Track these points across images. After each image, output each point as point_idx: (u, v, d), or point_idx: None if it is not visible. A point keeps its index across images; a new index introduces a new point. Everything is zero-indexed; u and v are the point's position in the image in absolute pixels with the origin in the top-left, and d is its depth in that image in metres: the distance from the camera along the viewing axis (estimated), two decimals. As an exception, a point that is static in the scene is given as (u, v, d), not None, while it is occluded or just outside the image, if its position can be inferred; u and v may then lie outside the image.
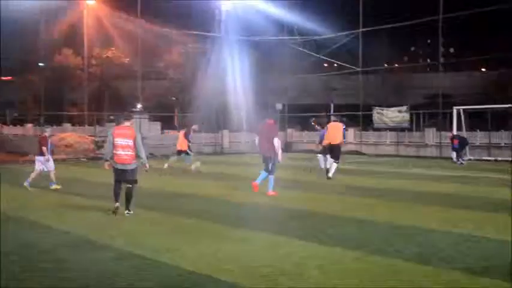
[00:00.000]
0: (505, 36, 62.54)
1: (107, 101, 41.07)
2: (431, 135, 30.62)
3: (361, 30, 33.14)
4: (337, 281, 5.68)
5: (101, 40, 38.53)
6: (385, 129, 32.38)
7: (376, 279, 5.70)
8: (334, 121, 17.23)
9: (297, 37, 36.98)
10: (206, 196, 12.61)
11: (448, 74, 44.92)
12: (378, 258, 6.58)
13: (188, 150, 19.01)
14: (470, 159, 25.08)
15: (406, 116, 30.97)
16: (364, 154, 31.18)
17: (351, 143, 33.20)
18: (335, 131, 16.36)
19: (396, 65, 52.74)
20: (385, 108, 32.34)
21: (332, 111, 43.73)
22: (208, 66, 37.88)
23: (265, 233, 8.19)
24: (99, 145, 26.40)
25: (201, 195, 12.72)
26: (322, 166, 17.27)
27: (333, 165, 16.11)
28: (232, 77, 37.25)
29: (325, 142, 16.59)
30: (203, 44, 38.18)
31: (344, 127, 16.79)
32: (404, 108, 31.42)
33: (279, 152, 12.39)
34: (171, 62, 40.21)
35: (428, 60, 78.65)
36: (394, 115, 31.22)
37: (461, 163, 23.24)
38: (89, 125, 33.73)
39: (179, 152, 19.24)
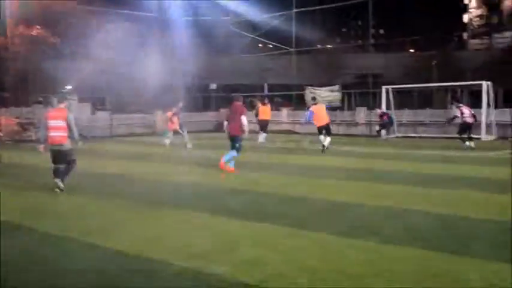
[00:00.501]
0: (432, 18, 64.90)
1: (33, 82, 39.25)
2: (361, 114, 31.46)
3: (294, 11, 33.36)
4: (269, 255, 5.75)
5: (25, 18, 36.63)
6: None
7: (304, 253, 5.81)
8: (264, 102, 18.60)
9: (230, 17, 36.74)
10: (141, 177, 12.40)
11: (378, 54, 46.20)
12: (309, 233, 6.72)
13: (179, 129, 20.61)
14: (397, 136, 26.01)
15: (338, 95, 31.61)
16: (297, 133, 31.61)
17: (284, 122, 33.61)
18: (323, 112, 18.78)
19: (328, 46, 53.52)
20: (317, 88, 32.83)
21: (266, 91, 43.98)
22: (142, 47, 37.07)
23: (200, 212, 8.16)
24: (25, 127, 25.33)
25: (133, 176, 12.49)
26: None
27: (327, 140, 18.20)
28: (167, 57, 36.59)
29: (322, 123, 18.51)
30: (137, 24, 37.18)
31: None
32: (336, 87, 32.02)
33: (246, 129, 13.00)
34: (103, 42, 38.88)
35: (360, 41, 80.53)
36: (326, 94, 31.77)
37: (386, 139, 24.19)
38: (15, 107, 32.20)
39: (175, 131, 20.75)
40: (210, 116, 37.42)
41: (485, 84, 23.24)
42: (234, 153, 13.19)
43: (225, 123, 13.49)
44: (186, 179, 12.03)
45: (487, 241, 6.25)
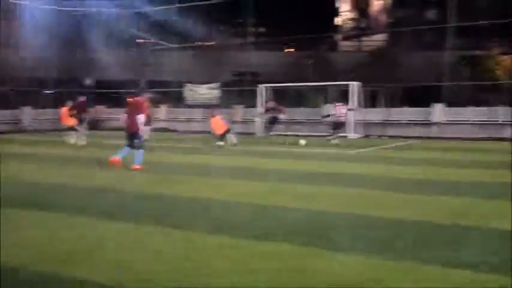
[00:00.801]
0: (308, 19, 67.53)
1: None
2: (239, 112, 32.01)
3: (176, 6, 33.02)
4: (132, 255, 5.65)
5: None
6: (197, 106, 32.95)
7: (171, 252, 5.80)
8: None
9: (106, 10, 35.48)
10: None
11: (257, 52, 47.21)
12: (175, 232, 6.71)
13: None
14: (273, 134, 26.79)
15: (217, 93, 31.86)
16: (174, 131, 31.36)
17: (162, 120, 33.22)
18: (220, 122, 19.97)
19: (209, 43, 53.75)
20: (196, 85, 32.86)
21: (145, 87, 43.15)
22: (4, 36, 34.57)
23: (61, 213, 7.81)
24: None
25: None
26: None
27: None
28: (34, 49, 34.49)
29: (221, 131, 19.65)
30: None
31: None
32: (215, 85, 32.26)
33: (142, 127, 12.78)
34: None
35: (240, 39, 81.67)
36: (205, 92, 31.90)
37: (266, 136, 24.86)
38: None
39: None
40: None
41: (351, 85, 24.68)
42: (127, 150, 12.87)
43: (123, 117, 13.13)
44: (51, 179, 11.45)
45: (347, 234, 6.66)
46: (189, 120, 32.86)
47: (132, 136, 12.78)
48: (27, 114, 32.33)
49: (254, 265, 5.32)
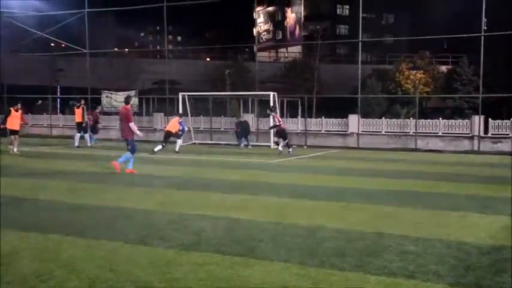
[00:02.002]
0: (224, 29, 68.06)
1: None
2: (159, 119, 31.65)
3: (86, 10, 32.08)
4: (51, 267, 5.44)
5: None
6: (115, 113, 32.19)
7: (92, 263, 5.64)
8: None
9: (15, 11, 33.84)
10: None
11: (175, 61, 46.94)
12: (97, 242, 6.53)
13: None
14: (194, 143, 26.71)
15: (135, 100, 31.30)
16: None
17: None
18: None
19: (126, 50, 52.78)
20: (114, 92, 32.11)
21: (59, 93, 41.60)
22: None
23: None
24: None
25: None
26: None
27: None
28: None
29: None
30: None
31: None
32: (133, 92, 31.69)
33: (136, 130, 14.03)
34: None
35: (158, 47, 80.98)
36: (122, 99, 31.18)
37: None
38: None
39: None
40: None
41: (271, 95, 25.13)
42: (128, 154, 13.91)
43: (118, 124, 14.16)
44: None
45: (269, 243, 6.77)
46: (105, 128, 32.02)
47: (126, 141, 14.00)
48: None
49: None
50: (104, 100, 31.80)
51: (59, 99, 40.41)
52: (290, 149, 20.45)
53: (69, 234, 6.89)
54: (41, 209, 8.77)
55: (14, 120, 19.35)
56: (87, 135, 24.02)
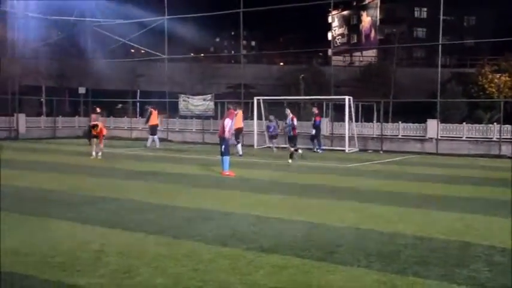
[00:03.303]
0: (300, 33, 68.12)
1: None
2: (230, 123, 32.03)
3: (166, 17, 33.09)
4: (136, 264, 5.65)
5: None
6: (191, 117, 32.95)
7: (174, 262, 5.79)
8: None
9: (100, 19, 35.49)
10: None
11: (250, 65, 47.43)
12: (179, 241, 6.71)
13: None
14: (269, 147, 26.81)
15: (211, 104, 31.89)
16: (170, 141, 31.37)
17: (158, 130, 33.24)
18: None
19: (202, 55, 53.97)
20: (190, 96, 32.87)
21: (138, 97, 43.14)
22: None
23: (65, 221, 7.81)
24: None
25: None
26: None
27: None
28: (29, 57, 34.45)
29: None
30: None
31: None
32: (209, 96, 32.27)
33: (227, 131, 14.12)
34: None
35: (232, 52, 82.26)
36: (199, 103, 31.88)
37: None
38: None
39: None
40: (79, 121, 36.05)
41: (347, 99, 24.81)
42: (225, 158, 14.07)
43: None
44: (55, 187, 11.42)
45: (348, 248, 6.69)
46: (183, 131, 32.88)
47: (220, 143, 14.23)
48: (23, 122, 32.26)
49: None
50: (181, 104, 32.60)
51: (138, 103, 41.89)
52: (291, 158, 18.49)
53: (152, 233, 7.13)
54: (124, 208, 9.13)
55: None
56: (156, 137, 25.08)
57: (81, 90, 37.77)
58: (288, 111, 20.14)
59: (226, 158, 14.13)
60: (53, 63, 38.56)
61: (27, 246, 6.36)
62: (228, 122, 14.25)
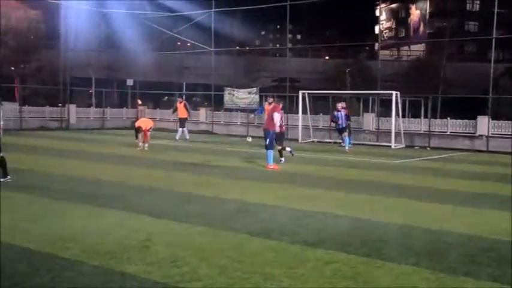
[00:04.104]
0: (344, 27, 67.25)
1: None
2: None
3: (213, 10, 33.29)
4: (182, 255, 5.72)
5: None
6: (236, 110, 33.11)
7: (219, 254, 5.84)
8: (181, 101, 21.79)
9: (148, 12, 36.05)
10: (46, 173, 11.94)
11: (295, 59, 47.23)
12: (224, 233, 6.76)
13: None
14: (313, 141, 26.67)
15: (256, 97, 31.94)
16: (215, 134, 31.62)
17: (202, 122, 33.61)
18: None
19: (247, 48, 54.06)
20: (236, 89, 33.02)
21: (184, 90, 43.65)
22: (53, 36, 35.59)
23: (114, 210, 7.99)
24: None
25: (41, 172, 12.00)
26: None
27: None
28: (79, 48, 35.36)
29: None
30: (48, 12, 35.63)
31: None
32: (254, 90, 32.34)
33: (277, 125, 14.06)
34: (10, 28, 36.79)
35: (278, 45, 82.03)
36: (244, 96, 31.99)
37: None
38: None
39: None
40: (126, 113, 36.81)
41: (394, 94, 24.35)
42: (269, 152, 13.92)
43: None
44: (103, 177, 11.71)
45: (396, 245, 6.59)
46: (228, 124, 33.07)
47: (265, 135, 14.10)
48: (73, 112, 33.19)
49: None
50: (226, 97, 32.80)
51: (184, 96, 42.41)
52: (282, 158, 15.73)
53: (197, 224, 7.20)
54: (170, 199, 9.26)
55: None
56: (185, 130, 24.51)
57: (129, 82, 38.52)
58: (342, 104, 20.63)
59: (271, 152, 14.08)
60: (102, 55, 39.49)
61: (76, 233, 6.53)
62: (276, 116, 14.16)
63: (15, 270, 5.10)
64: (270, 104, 20.75)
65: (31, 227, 6.84)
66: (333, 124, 23.28)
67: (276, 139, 14.72)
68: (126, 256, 5.62)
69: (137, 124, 19.36)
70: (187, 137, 24.28)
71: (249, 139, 19.39)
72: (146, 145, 18.93)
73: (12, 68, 38.09)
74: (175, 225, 7.17)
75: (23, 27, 34.48)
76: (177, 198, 9.29)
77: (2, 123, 9.80)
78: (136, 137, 19.33)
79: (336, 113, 21.81)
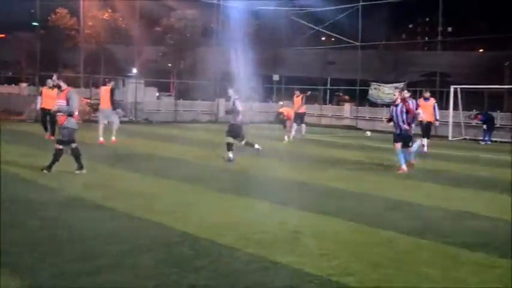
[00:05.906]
0: (501, 18, 62.16)
1: (102, 63, 40.54)
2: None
3: (360, 4, 32.77)
4: (332, 248, 5.74)
5: (97, 1, 38.02)
6: (381, 105, 32.32)
7: (369, 250, 5.77)
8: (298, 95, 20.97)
9: (296, 8, 36.56)
10: (202, 162, 12.67)
11: (445, 52, 44.76)
12: (375, 230, 6.65)
13: None
14: (465, 139, 25.16)
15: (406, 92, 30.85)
16: (360, 129, 31.15)
17: (346, 117, 33.37)
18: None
19: (394, 42, 52.42)
20: (382, 84, 32.23)
21: (329, 85, 43.64)
22: (206, 34, 37.62)
23: (265, 202, 8.25)
24: (94, 108, 26.19)
25: (197, 161, 12.76)
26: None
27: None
28: (230, 45, 36.95)
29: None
30: (202, 10, 37.78)
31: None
32: (401, 85, 31.23)
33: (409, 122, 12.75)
34: (169, 27, 39.67)
35: (426, 38, 78.40)
36: (391, 91, 31.09)
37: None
38: (84, 87, 33.37)
39: None
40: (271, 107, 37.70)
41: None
42: (415, 146, 12.96)
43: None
44: (256, 170, 12.13)
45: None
46: (372, 119, 32.40)
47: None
48: (222, 106, 34.81)
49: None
50: (372, 92, 32.14)
51: (328, 91, 42.37)
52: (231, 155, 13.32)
53: (346, 219, 7.16)
54: (318, 193, 9.33)
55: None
56: (303, 125, 21.75)
57: (275, 77, 39.36)
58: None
59: (413, 148, 13.03)
60: (249, 51, 40.81)
61: (230, 222, 6.84)
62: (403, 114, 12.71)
63: (180, 251, 5.50)
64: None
65: (191, 213, 7.29)
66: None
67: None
68: (276, 246, 5.77)
69: (280, 110, 19.75)
70: (303, 132, 21.76)
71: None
72: (291, 137, 19.21)
73: (169, 65, 41.00)
74: (323, 218, 7.21)
75: (180, 27, 36.91)
76: (324, 193, 9.33)
77: (76, 113, 10.10)
78: (284, 126, 19.69)
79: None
